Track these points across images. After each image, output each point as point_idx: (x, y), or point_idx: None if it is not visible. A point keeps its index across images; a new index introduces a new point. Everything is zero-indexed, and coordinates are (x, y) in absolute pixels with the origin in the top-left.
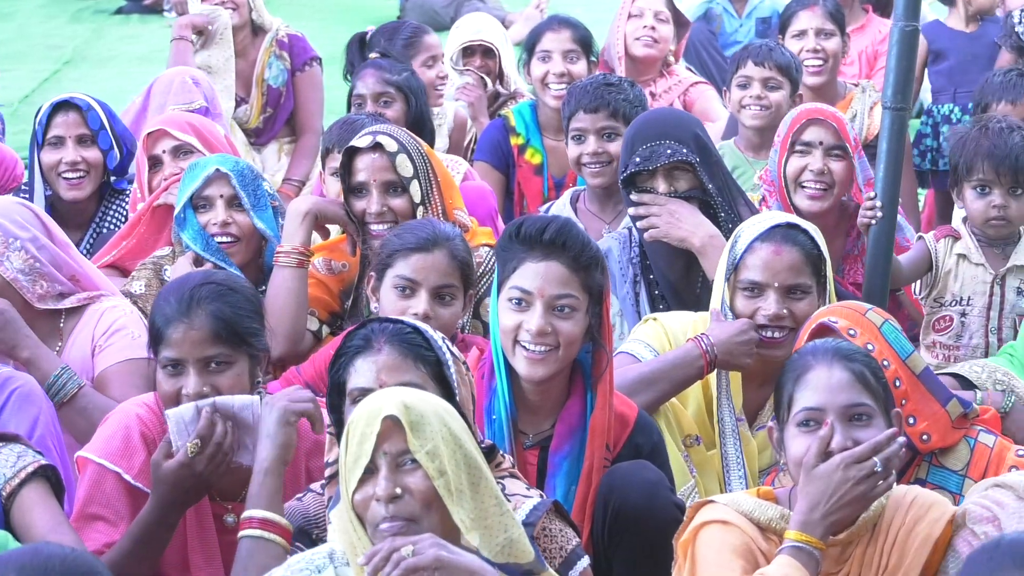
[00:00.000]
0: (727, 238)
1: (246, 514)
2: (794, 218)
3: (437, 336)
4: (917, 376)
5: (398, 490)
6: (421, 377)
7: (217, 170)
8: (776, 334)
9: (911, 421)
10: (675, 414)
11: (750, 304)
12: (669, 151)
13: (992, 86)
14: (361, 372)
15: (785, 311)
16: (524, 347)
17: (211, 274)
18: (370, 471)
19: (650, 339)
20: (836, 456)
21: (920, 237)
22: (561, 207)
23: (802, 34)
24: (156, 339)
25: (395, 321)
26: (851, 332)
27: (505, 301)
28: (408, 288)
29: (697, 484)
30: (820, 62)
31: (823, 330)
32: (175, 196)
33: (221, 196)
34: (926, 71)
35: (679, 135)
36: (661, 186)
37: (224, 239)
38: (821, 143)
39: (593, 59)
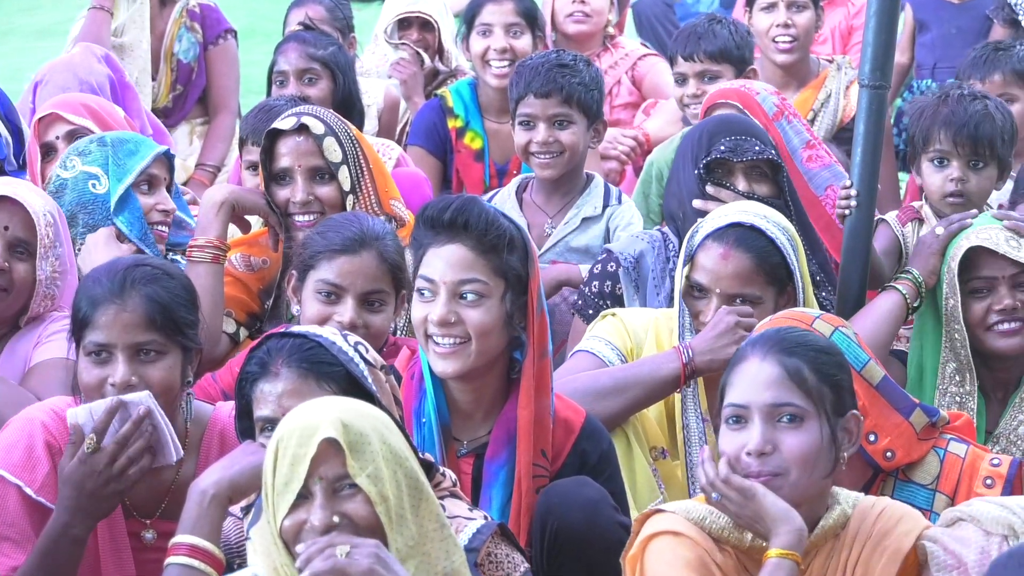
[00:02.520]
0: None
1: (176, 539)
2: (766, 218)
3: (346, 344)
4: (875, 387)
5: (336, 519)
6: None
7: (167, 152)
8: None
9: (872, 439)
10: (643, 424)
11: (696, 306)
12: (757, 147)
13: (966, 62)
14: (262, 400)
15: None
16: (434, 341)
17: (144, 258)
18: (302, 496)
19: (610, 335)
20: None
21: (882, 220)
22: (505, 197)
23: (772, 7)
24: (82, 323)
25: (295, 335)
26: None
27: (415, 293)
28: (333, 294)
29: (665, 501)
30: (790, 38)
31: None
32: None
33: (164, 179)
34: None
35: (764, 139)
36: (741, 184)
37: (162, 228)
38: None
39: (539, 34)
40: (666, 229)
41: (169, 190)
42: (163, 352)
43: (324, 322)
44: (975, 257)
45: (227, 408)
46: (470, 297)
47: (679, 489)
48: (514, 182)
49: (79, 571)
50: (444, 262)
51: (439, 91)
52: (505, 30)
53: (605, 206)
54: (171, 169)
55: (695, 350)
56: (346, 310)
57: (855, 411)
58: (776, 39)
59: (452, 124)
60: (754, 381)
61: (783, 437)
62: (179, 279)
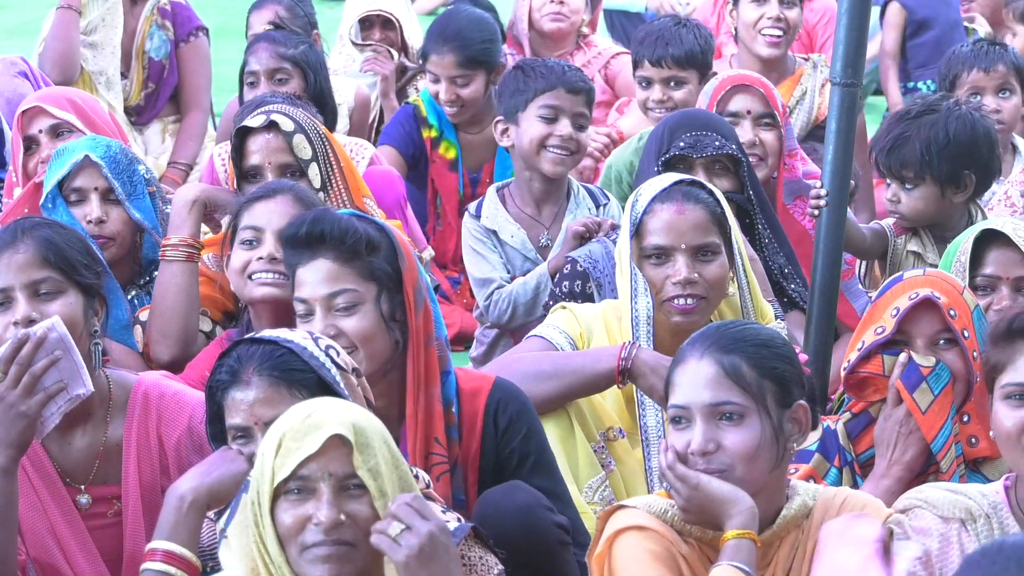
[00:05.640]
0: (762, 248)
1: (152, 545)
2: (692, 178)
3: (317, 349)
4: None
5: (343, 517)
6: None
7: (87, 157)
8: (689, 300)
9: (965, 419)
10: (593, 405)
11: (659, 273)
12: (717, 143)
13: (961, 56)
14: (234, 408)
15: (696, 275)
16: None
17: (39, 216)
18: (307, 492)
19: (560, 323)
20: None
21: (879, 223)
22: (494, 210)
23: (763, 0)
24: None
25: (265, 341)
26: (952, 313)
27: (298, 318)
28: (254, 240)
29: (618, 480)
30: (780, 32)
31: (926, 304)
32: None
33: (95, 189)
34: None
35: (725, 133)
36: (701, 179)
37: (98, 239)
38: (749, 112)
39: (495, 67)
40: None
41: (109, 196)
42: (61, 290)
43: (245, 267)
44: (984, 252)
45: (151, 375)
46: (344, 307)
47: (636, 471)
48: (491, 195)
49: (42, 544)
50: (312, 279)
51: (411, 99)
52: (450, 81)
53: (597, 206)
54: (117, 172)
55: (639, 358)
56: (265, 247)
57: (802, 402)
58: (764, 32)
59: (427, 134)
60: (693, 381)
61: (724, 435)
62: (73, 232)
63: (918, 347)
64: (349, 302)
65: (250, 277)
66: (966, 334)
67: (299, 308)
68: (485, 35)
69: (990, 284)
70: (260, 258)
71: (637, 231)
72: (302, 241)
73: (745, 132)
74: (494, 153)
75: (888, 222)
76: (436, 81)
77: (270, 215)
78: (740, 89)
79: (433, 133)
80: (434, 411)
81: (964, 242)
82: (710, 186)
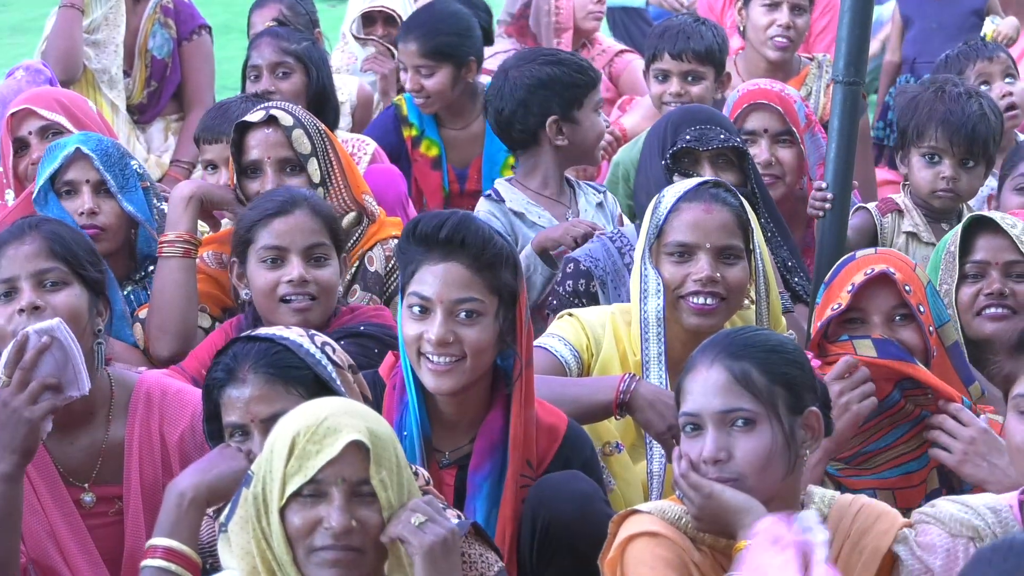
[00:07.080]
0: (768, 238)
1: (152, 542)
2: (718, 179)
3: (313, 346)
4: (945, 348)
5: (354, 523)
6: (295, 402)
7: (78, 150)
8: (709, 300)
9: (929, 395)
10: None
11: (679, 270)
12: (722, 136)
13: (960, 52)
14: (230, 406)
15: (719, 275)
16: (428, 358)
17: (47, 216)
18: (318, 495)
19: (565, 334)
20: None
21: (860, 207)
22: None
23: (776, 6)
24: None
25: (261, 339)
26: (907, 288)
27: (406, 309)
28: (277, 258)
29: (618, 497)
30: (788, 40)
31: (881, 280)
32: None
33: (87, 181)
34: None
35: (728, 127)
36: (707, 172)
37: (90, 230)
38: (766, 131)
39: (466, 61)
40: (621, 228)
41: (101, 189)
42: (66, 282)
43: (274, 288)
44: (974, 239)
45: (152, 374)
46: (467, 316)
47: (634, 485)
48: (503, 183)
49: (41, 547)
50: (440, 280)
51: (395, 99)
52: (414, 70)
53: (597, 192)
54: (108, 165)
55: (638, 392)
56: (293, 267)
57: (814, 408)
58: (775, 37)
59: (407, 133)
60: (704, 388)
61: (736, 442)
62: (79, 233)
63: (875, 324)
64: (474, 311)
65: (282, 300)
66: (921, 309)
67: (413, 302)
68: (454, 28)
69: (980, 271)
70: (290, 280)
71: (659, 231)
72: (439, 241)
73: (762, 152)
74: (481, 148)
75: (872, 205)
76: (405, 70)
77: (292, 234)
78: (757, 107)
79: (414, 132)
80: (531, 434)
81: (953, 234)
82: (736, 191)
